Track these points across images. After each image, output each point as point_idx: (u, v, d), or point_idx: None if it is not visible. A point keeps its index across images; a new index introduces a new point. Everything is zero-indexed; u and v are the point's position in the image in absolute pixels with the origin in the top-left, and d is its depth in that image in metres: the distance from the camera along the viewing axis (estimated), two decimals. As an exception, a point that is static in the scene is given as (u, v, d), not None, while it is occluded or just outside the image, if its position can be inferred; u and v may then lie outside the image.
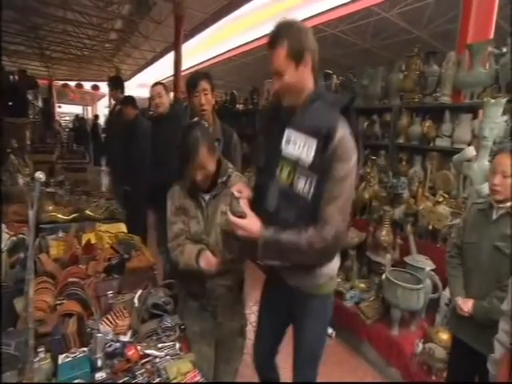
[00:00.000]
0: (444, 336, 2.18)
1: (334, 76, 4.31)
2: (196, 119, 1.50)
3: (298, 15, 7.30)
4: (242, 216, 1.14)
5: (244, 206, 1.15)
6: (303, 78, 1.11)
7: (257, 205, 1.22)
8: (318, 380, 1.46)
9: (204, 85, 1.99)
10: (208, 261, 1.33)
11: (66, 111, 20.36)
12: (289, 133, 1.12)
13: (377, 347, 2.49)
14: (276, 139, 1.17)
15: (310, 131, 1.06)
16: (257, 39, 8.83)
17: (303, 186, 1.07)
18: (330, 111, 1.07)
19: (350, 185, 1.06)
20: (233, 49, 10.01)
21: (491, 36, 3.25)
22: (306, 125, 1.08)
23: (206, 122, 1.59)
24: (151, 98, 2.71)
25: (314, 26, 7.54)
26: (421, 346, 2.24)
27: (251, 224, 1.12)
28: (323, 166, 1.03)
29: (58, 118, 14.19)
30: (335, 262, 1.29)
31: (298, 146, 1.08)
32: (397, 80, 3.42)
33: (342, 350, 2.69)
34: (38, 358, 0.94)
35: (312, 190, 1.05)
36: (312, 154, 1.04)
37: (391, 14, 7.09)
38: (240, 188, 1.22)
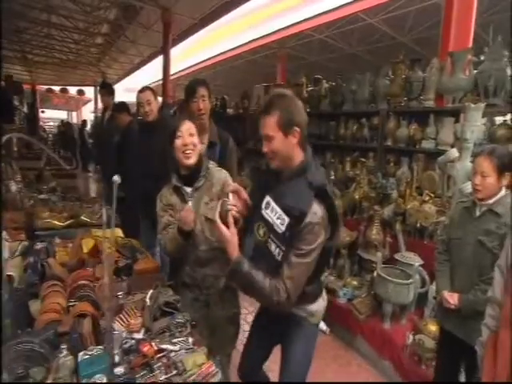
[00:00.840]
0: (432, 327, 2.30)
1: (324, 81, 4.46)
2: None
3: (285, 21, 7.45)
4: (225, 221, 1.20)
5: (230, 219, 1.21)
6: (290, 148, 1.20)
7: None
8: (314, 375, 1.53)
9: (202, 91, 2.07)
10: (187, 209, 1.44)
11: (50, 116, 19.86)
12: (268, 200, 1.23)
13: (370, 341, 2.60)
14: (260, 196, 1.27)
15: (284, 208, 1.16)
16: (245, 44, 8.93)
17: (274, 248, 1.20)
18: (305, 194, 1.15)
19: (309, 261, 1.17)
20: (221, 53, 10.07)
21: (470, 44, 3.45)
22: (282, 201, 1.18)
23: (203, 126, 1.68)
24: (139, 105, 2.59)
25: (301, 31, 7.70)
26: (411, 337, 2.36)
27: (232, 240, 1.20)
28: (291, 239, 1.15)
29: (41, 123, 13.89)
30: (321, 303, 1.42)
31: (274, 215, 1.19)
32: (383, 85, 3.58)
33: (336, 346, 2.79)
34: (62, 355, 0.99)
35: (281, 254, 1.18)
36: (283, 228, 1.16)
37: (376, 20, 7.32)
38: (236, 194, 1.28)
